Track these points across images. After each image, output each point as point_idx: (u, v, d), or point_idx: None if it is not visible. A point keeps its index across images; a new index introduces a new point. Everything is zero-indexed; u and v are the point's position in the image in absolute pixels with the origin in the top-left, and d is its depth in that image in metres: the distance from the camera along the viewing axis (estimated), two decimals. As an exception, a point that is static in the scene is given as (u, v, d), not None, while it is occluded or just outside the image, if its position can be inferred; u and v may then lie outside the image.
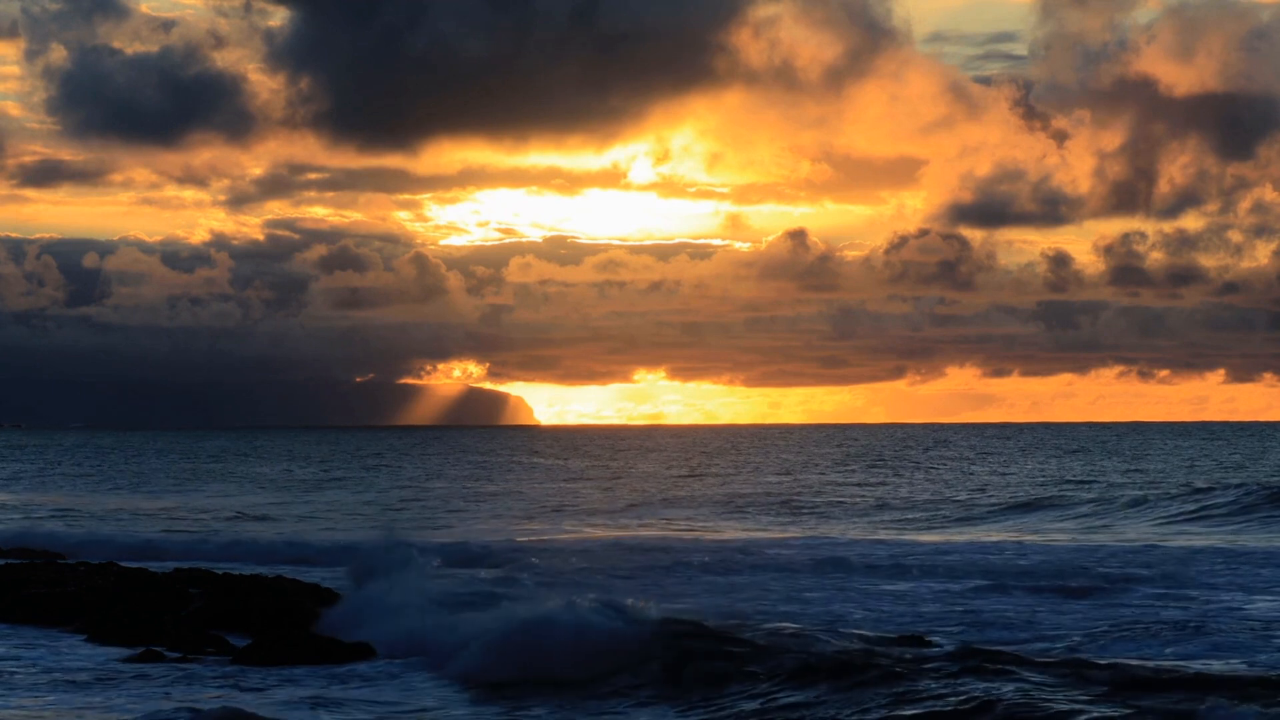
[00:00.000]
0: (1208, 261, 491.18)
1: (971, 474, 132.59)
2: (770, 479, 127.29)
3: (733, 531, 72.13)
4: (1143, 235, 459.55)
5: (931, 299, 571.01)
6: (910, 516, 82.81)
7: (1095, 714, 24.23)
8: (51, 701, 28.88)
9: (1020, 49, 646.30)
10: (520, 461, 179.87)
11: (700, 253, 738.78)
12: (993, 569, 51.38)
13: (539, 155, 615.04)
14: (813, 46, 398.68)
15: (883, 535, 69.42)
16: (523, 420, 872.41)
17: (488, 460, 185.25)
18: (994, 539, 65.78)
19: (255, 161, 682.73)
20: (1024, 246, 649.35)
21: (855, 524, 78.14)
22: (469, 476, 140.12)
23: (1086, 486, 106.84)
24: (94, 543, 63.60)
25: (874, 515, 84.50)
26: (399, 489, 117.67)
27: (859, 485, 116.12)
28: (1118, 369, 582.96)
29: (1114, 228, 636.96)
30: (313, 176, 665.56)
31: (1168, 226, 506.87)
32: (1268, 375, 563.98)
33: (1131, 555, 55.74)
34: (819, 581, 48.22)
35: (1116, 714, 24.24)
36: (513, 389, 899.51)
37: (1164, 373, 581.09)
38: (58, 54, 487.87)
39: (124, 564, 49.77)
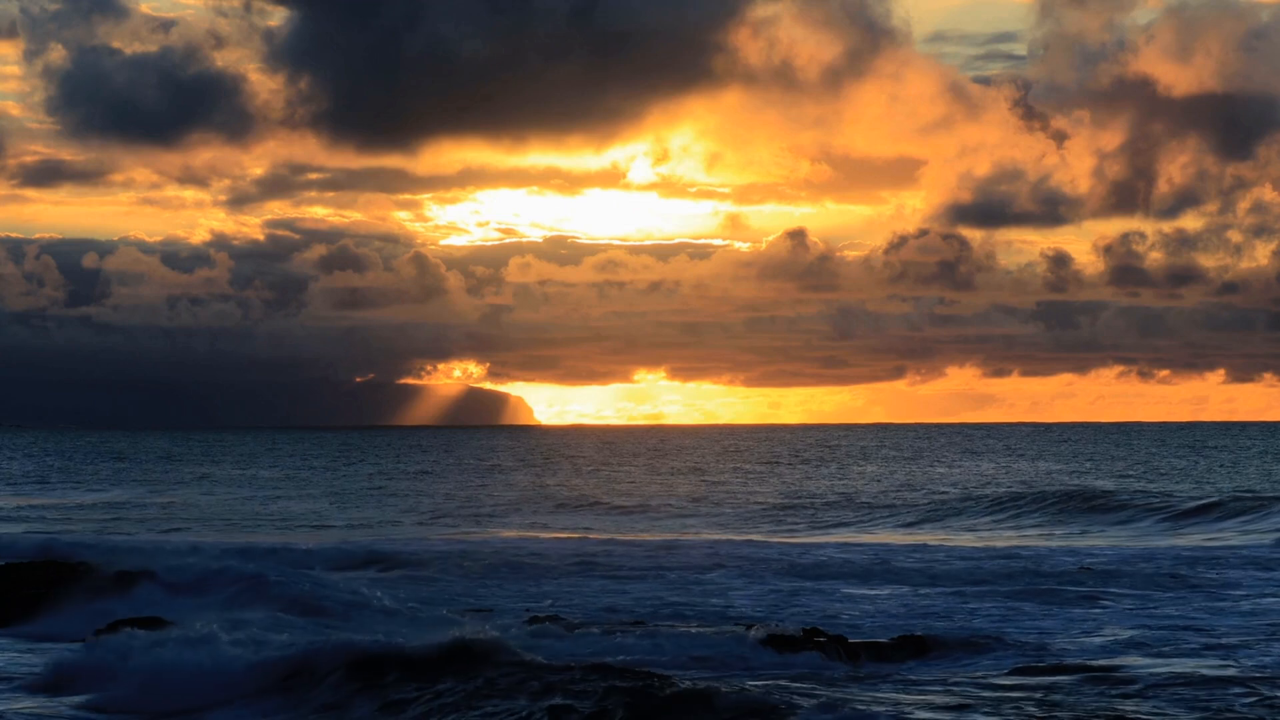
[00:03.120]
0: (1207, 261, 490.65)
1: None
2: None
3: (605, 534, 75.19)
4: (1142, 235, 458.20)
5: (931, 299, 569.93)
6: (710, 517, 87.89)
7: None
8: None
9: (1020, 49, 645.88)
10: (473, 463, 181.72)
11: (700, 253, 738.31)
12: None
13: (539, 155, 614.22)
14: (812, 46, 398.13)
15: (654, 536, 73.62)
16: (523, 420, 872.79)
17: (442, 463, 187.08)
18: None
19: (255, 161, 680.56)
20: (1024, 246, 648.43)
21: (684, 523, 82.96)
22: (412, 474, 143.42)
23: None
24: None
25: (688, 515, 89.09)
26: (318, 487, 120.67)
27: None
28: (1118, 369, 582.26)
29: (1113, 228, 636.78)
30: (313, 176, 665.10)
31: (1167, 226, 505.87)
32: (1268, 375, 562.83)
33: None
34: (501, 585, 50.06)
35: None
36: (513, 389, 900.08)
37: (1164, 373, 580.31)
38: (57, 54, 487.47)
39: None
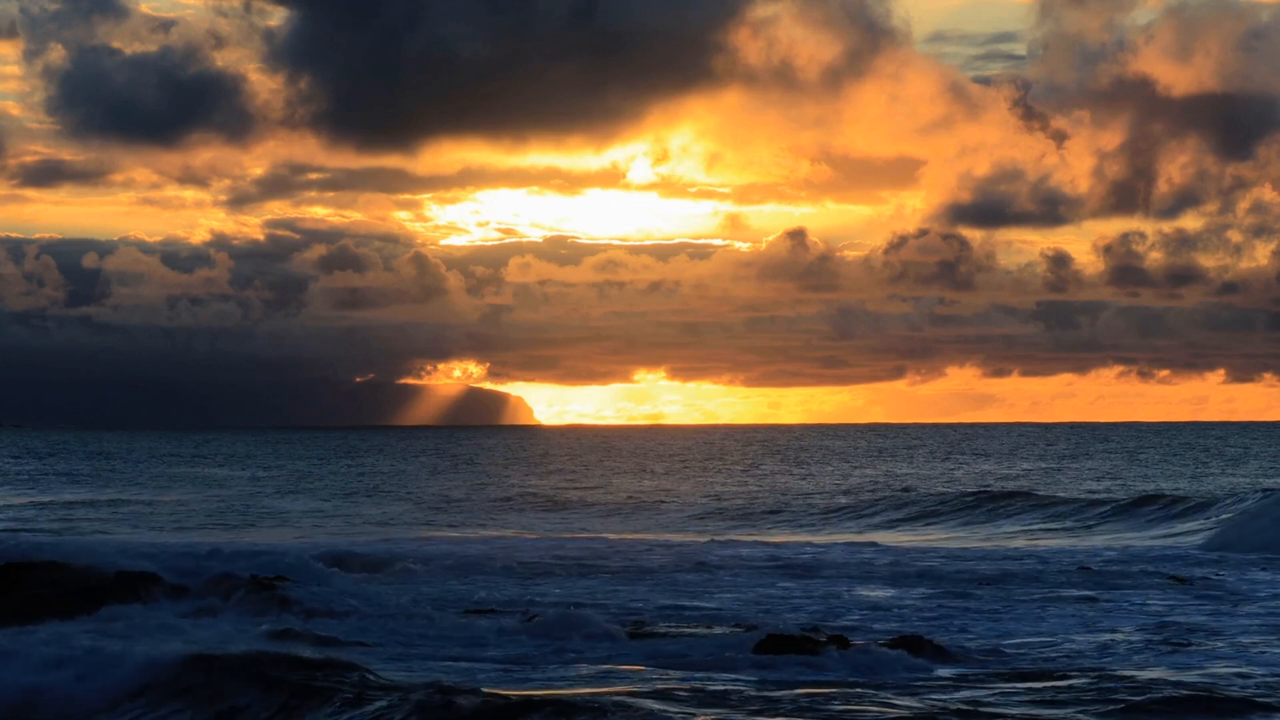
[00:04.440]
0: (1207, 261, 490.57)
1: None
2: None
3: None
4: (1142, 235, 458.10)
5: (931, 299, 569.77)
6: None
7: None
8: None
9: (1020, 49, 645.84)
10: (472, 463, 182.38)
11: (700, 253, 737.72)
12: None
13: (539, 155, 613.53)
14: (812, 46, 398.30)
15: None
16: (523, 420, 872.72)
17: (441, 463, 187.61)
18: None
19: (255, 161, 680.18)
20: (1023, 246, 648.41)
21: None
22: (410, 474, 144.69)
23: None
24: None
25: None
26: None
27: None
28: (1118, 369, 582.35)
29: (1113, 228, 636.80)
30: (313, 176, 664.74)
31: (1167, 226, 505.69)
32: (1268, 375, 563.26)
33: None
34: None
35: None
36: (513, 389, 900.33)
37: (1164, 373, 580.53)
38: (57, 54, 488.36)
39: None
